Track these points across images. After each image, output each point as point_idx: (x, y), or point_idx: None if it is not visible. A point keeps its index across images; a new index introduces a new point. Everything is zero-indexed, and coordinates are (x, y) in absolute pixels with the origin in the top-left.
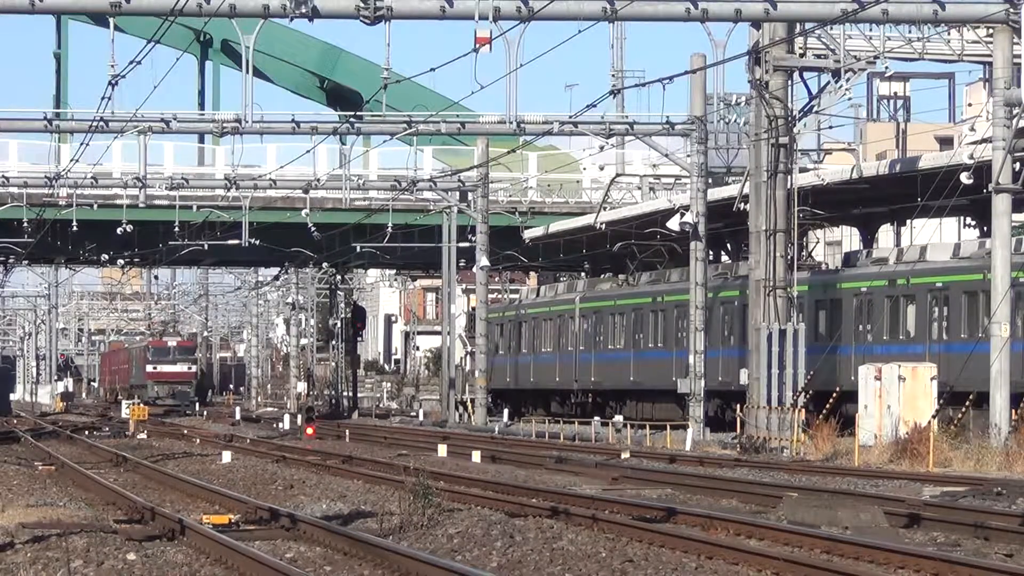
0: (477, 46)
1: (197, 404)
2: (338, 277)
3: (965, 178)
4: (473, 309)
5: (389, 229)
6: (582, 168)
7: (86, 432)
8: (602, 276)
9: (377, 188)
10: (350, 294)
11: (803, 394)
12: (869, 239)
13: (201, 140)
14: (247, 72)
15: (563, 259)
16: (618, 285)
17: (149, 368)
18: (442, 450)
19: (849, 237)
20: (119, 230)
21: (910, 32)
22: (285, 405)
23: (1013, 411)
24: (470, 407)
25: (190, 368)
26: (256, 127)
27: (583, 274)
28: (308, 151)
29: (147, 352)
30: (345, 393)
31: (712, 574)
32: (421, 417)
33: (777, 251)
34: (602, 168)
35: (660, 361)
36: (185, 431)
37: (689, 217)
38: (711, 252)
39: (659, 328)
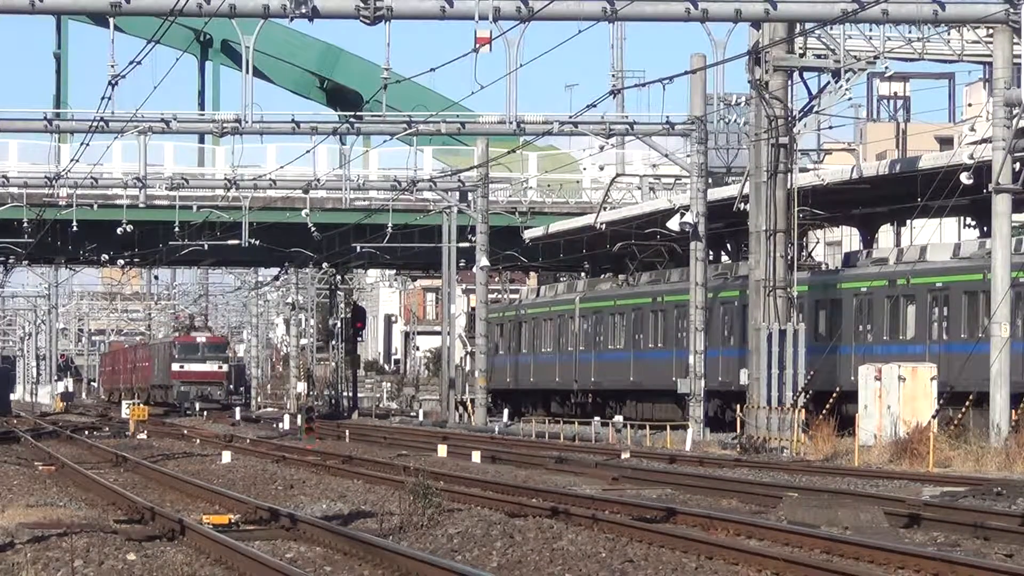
0: (477, 46)
1: (197, 405)
2: (338, 277)
3: (965, 178)
4: (473, 309)
5: (389, 229)
6: (582, 168)
7: (86, 432)
8: (602, 276)
9: (377, 188)
10: (350, 294)
11: (803, 394)
12: (869, 239)
13: (201, 140)
14: (247, 72)
15: (563, 259)
16: (618, 285)
17: (175, 367)
18: (442, 450)
19: (849, 237)
20: (119, 230)
21: (910, 32)
22: (285, 405)
23: (1013, 411)
24: (470, 407)
25: (221, 367)
26: (256, 127)
27: (583, 274)
28: (308, 151)
29: (173, 349)
30: (345, 393)
31: (712, 574)
32: (421, 417)
33: (777, 251)
34: (602, 168)
35: (660, 361)
36: (185, 431)
37: (689, 217)
38: (711, 252)
39: (659, 328)
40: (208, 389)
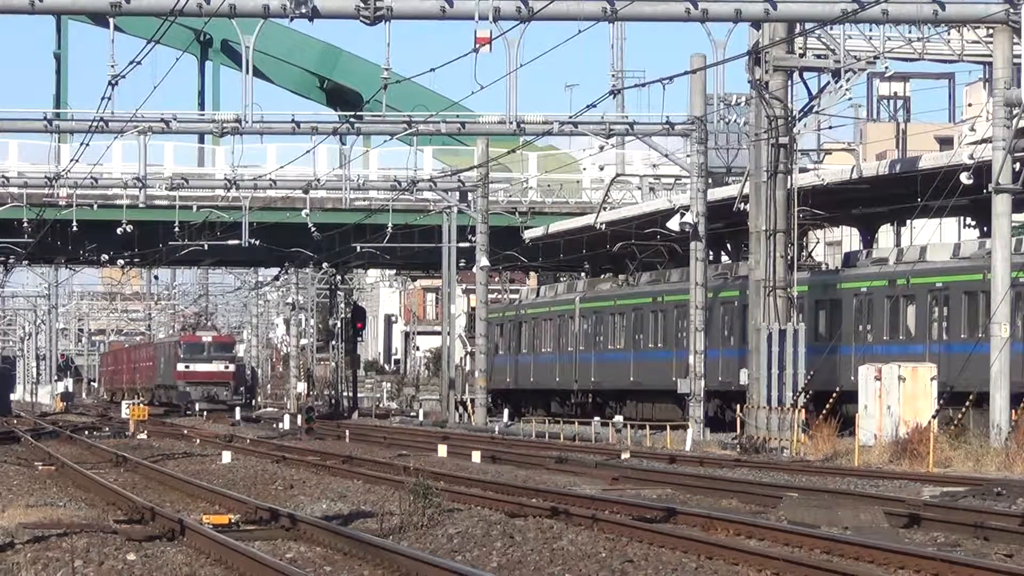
0: (477, 46)
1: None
2: (338, 277)
3: (965, 178)
4: (473, 309)
5: (389, 229)
6: (582, 168)
7: (86, 432)
8: (602, 276)
9: (377, 188)
10: (350, 294)
11: (803, 394)
12: (869, 239)
13: (201, 140)
14: (247, 72)
15: (563, 259)
16: (618, 285)
17: (180, 367)
18: (442, 450)
19: (849, 237)
20: (119, 230)
21: (910, 32)
22: (285, 405)
23: (1013, 411)
24: (470, 407)
25: (227, 367)
26: (256, 127)
27: (583, 274)
28: (308, 151)
29: (178, 348)
30: (345, 393)
31: (712, 574)
32: (421, 417)
33: (777, 251)
34: (602, 168)
35: (660, 361)
36: (185, 431)
37: (689, 217)
38: (711, 252)
39: (659, 328)
40: (214, 390)
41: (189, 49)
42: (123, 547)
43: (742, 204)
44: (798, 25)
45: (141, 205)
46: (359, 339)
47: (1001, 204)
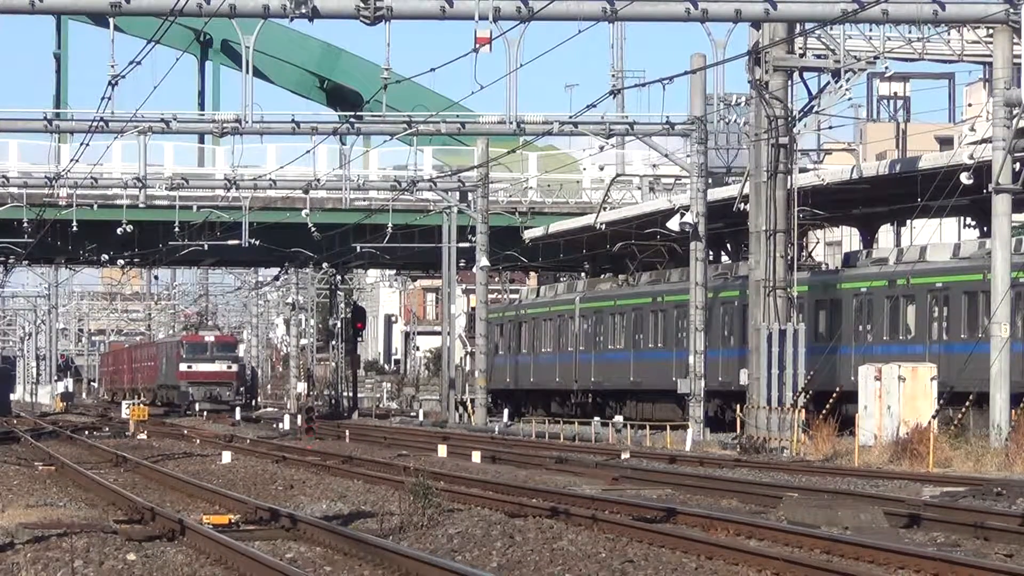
0: (477, 46)
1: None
2: (338, 277)
3: (965, 178)
4: (473, 309)
5: (389, 229)
6: (582, 168)
7: (86, 432)
8: (602, 276)
9: (377, 188)
10: (350, 294)
11: (803, 394)
12: (869, 239)
13: (201, 140)
14: (247, 72)
15: (563, 259)
16: (618, 285)
17: (183, 367)
18: (442, 450)
19: (849, 237)
20: (119, 230)
21: (910, 32)
22: (285, 405)
23: (1013, 411)
24: (470, 407)
25: (230, 367)
26: (256, 127)
27: (583, 274)
28: (308, 151)
29: (180, 348)
30: (345, 393)
31: (712, 574)
32: (421, 417)
33: (777, 251)
34: (602, 168)
35: (660, 361)
36: (185, 431)
37: (689, 217)
38: (711, 252)
39: (659, 328)
40: (217, 390)
41: (189, 49)
42: (123, 547)
43: (742, 204)
44: (798, 25)
45: (141, 205)
46: (359, 339)
47: (1001, 204)
